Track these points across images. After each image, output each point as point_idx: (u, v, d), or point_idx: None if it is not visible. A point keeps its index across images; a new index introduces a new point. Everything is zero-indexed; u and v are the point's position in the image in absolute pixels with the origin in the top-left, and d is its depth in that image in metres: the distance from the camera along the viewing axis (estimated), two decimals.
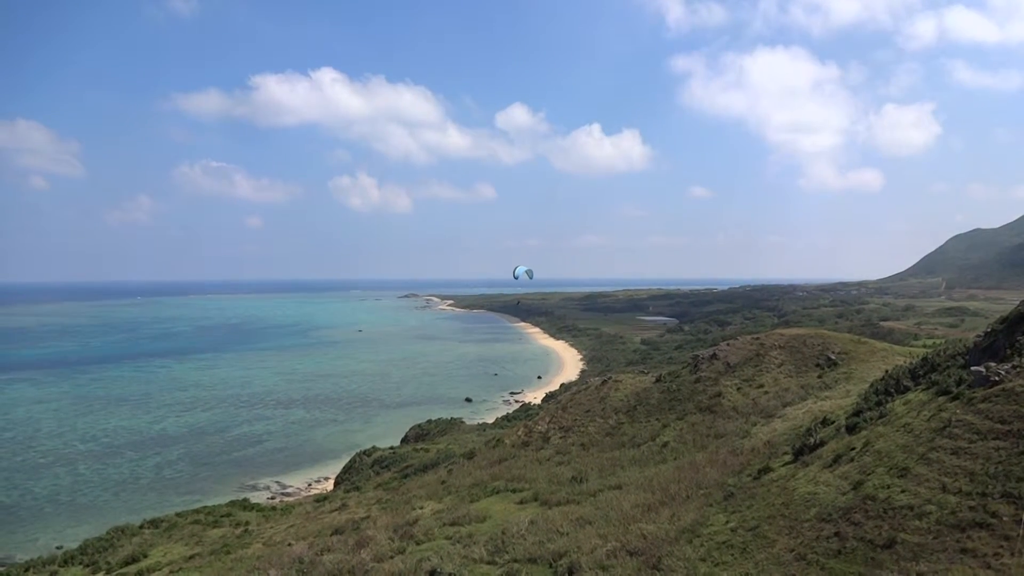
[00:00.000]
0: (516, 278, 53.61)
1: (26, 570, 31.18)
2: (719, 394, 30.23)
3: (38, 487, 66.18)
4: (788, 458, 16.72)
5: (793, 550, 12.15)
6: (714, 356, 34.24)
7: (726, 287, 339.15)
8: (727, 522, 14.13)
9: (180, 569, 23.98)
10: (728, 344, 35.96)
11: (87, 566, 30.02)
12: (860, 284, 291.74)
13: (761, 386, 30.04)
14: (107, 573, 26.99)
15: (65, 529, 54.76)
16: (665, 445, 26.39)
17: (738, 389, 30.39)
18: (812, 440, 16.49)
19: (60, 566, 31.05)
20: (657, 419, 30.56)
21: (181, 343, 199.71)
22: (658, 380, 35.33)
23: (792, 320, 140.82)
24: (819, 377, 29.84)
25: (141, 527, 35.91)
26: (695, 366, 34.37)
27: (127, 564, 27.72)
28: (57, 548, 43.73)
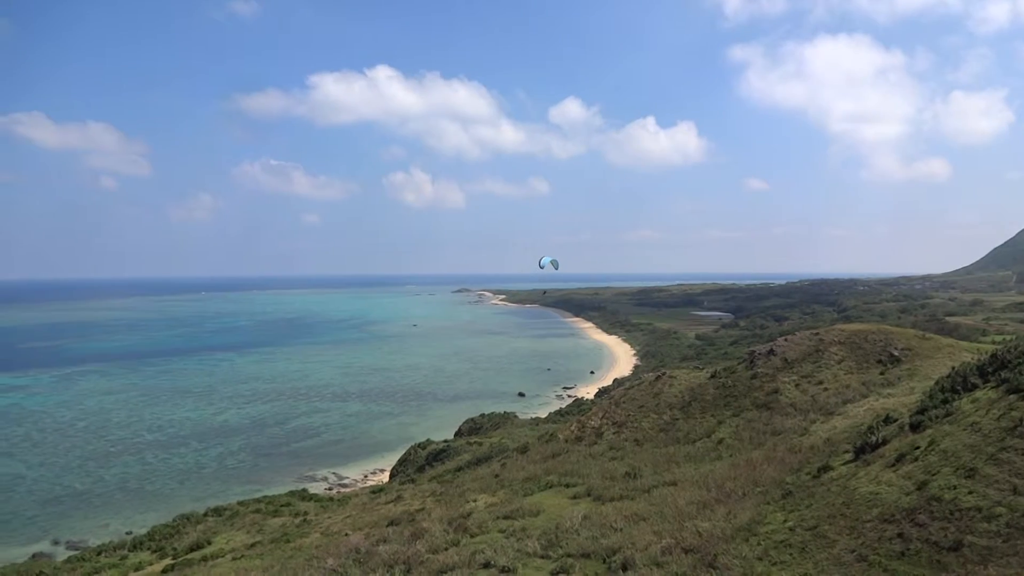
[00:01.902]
0: (542, 267, 53.75)
1: (98, 554, 32.49)
2: (776, 390, 29.65)
3: (109, 475, 68.88)
4: (849, 457, 16.32)
5: (854, 551, 11.87)
6: (771, 352, 33.57)
7: (783, 281, 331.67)
8: (785, 521, 13.87)
9: (242, 556, 24.64)
10: (786, 339, 35.20)
11: (155, 551, 31.11)
12: (924, 278, 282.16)
13: (820, 383, 29.35)
14: (173, 559, 27.91)
15: (134, 515, 56.94)
16: (720, 442, 26.02)
17: (796, 385, 29.75)
18: (874, 438, 16.05)
19: (130, 551, 32.26)
20: (712, 415, 30.14)
21: (242, 337, 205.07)
22: (713, 376, 34.82)
23: (852, 315, 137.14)
24: (881, 374, 29.00)
25: (205, 515, 37.06)
26: (751, 362, 33.75)
27: (192, 550, 28.62)
28: (127, 533, 45.46)
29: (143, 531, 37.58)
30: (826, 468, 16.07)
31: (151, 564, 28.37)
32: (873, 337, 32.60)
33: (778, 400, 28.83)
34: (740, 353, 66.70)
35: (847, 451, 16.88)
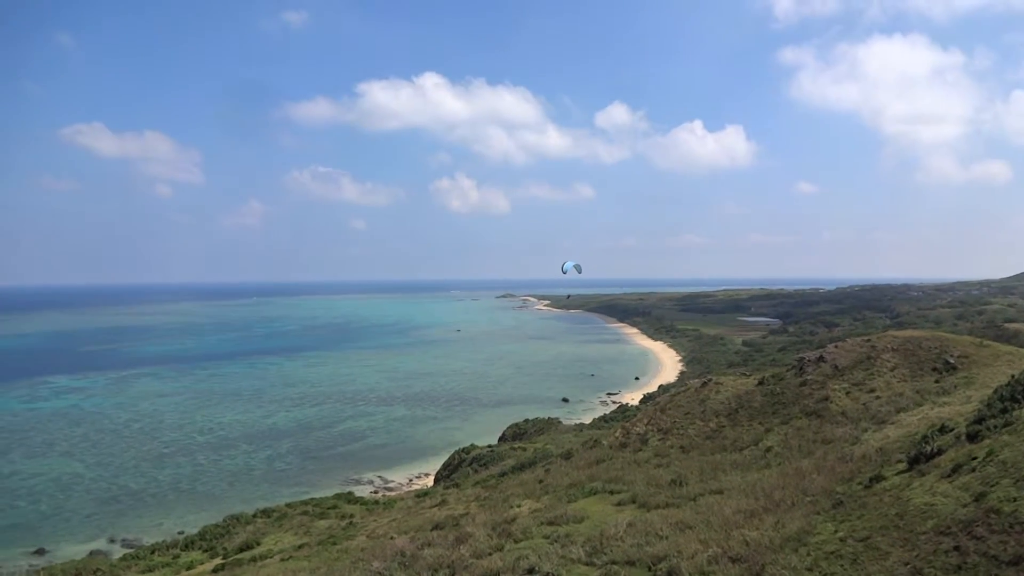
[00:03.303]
0: (564, 272, 54.07)
1: (152, 552, 33.35)
2: (826, 398, 29.04)
3: (162, 475, 70.73)
4: (902, 467, 15.90)
5: (908, 563, 11.55)
6: (821, 358, 32.91)
7: (833, 287, 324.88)
8: (836, 531, 13.57)
9: (290, 558, 25.04)
10: (836, 346, 34.48)
11: (206, 551, 31.81)
12: (982, 283, 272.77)
13: (872, 390, 28.66)
14: (224, 558, 28.49)
15: (186, 515, 58.34)
16: (768, 450, 25.58)
17: (847, 393, 29.10)
18: (929, 448, 15.61)
19: (182, 550, 33.04)
20: (760, 423, 29.65)
21: (290, 341, 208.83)
22: (761, 383, 34.26)
23: (906, 321, 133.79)
24: (936, 382, 28.19)
25: (254, 516, 37.77)
26: (800, 368, 33.13)
27: (242, 551, 29.19)
28: (179, 533, 46.59)
29: (195, 531, 38.48)
30: (878, 478, 15.68)
31: (202, 563, 29.02)
32: (928, 344, 31.73)
33: (828, 408, 28.23)
34: (788, 360, 65.48)
35: (900, 461, 16.44)
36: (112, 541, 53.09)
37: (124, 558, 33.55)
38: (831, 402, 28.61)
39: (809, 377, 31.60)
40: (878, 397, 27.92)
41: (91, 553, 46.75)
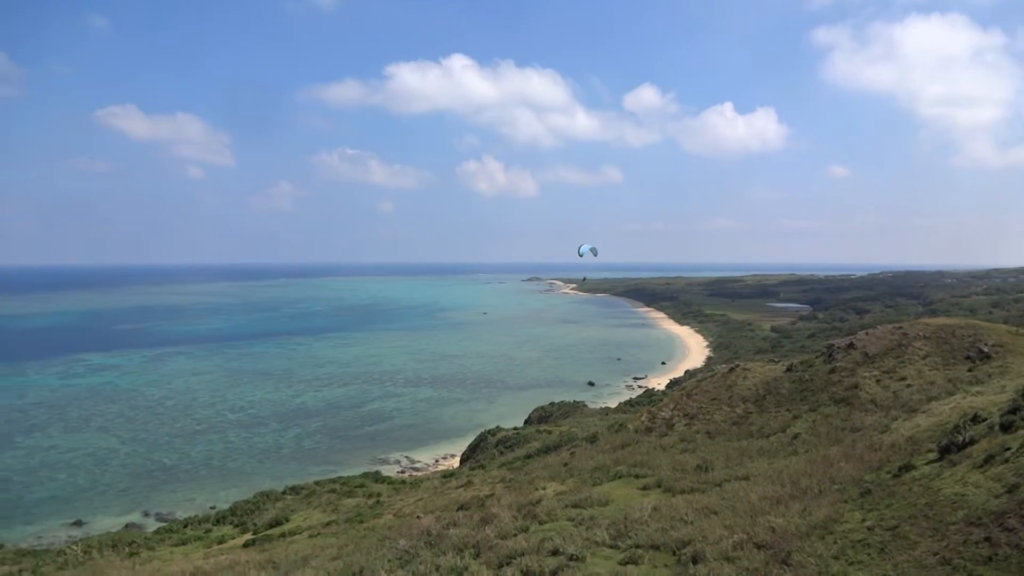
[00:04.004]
0: (581, 255, 54.41)
1: (185, 526, 34.11)
2: (856, 385, 28.71)
3: (194, 451, 72.13)
4: (933, 456, 15.71)
5: (937, 553, 11.45)
6: (851, 345, 32.51)
7: (865, 273, 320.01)
8: (863, 520, 13.48)
9: (318, 534, 25.47)
10: (867, 333, 34.03)
11: (236, 526, 32.47)
12: (1019, 270, 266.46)
13: (903, 378, 28.28)
14: (254, 534, 29.06)
15: (218, 491, 59.50)
16: (796, 437, 25.40)
17: (877, 381, 28.75)
18: (961, 438, 15.40)
19: (213, 525, 33.76)
20: (788, 410, 29.43)
21: (318, 322, 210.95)
22: (789, 369, 33.96)
23: (939, 309, 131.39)
24: (969, 371, 27.73)
25: (284, 493, 38.46)
26: (830, 355, 32.77)
27: (271, 527, 29.75)
28: (211, 508, 47.55)
29: (226, 506, 39.25)
30: (908, 467, 15.53)
31: (233, 538, 29.63)
32: (961, 332, 31.19)
33: (858, 395, 27.93)
34: (818, 346, 64.78)
35: (931, 450, 16.26)
36: (146, 515, 54.36)
37: (158, 531, 34.37)
38: (861, 390, 28.29)
39: (838, 364, 31.26)
40: (909, 385, 27.56)
41: (126, 526, 47.91)
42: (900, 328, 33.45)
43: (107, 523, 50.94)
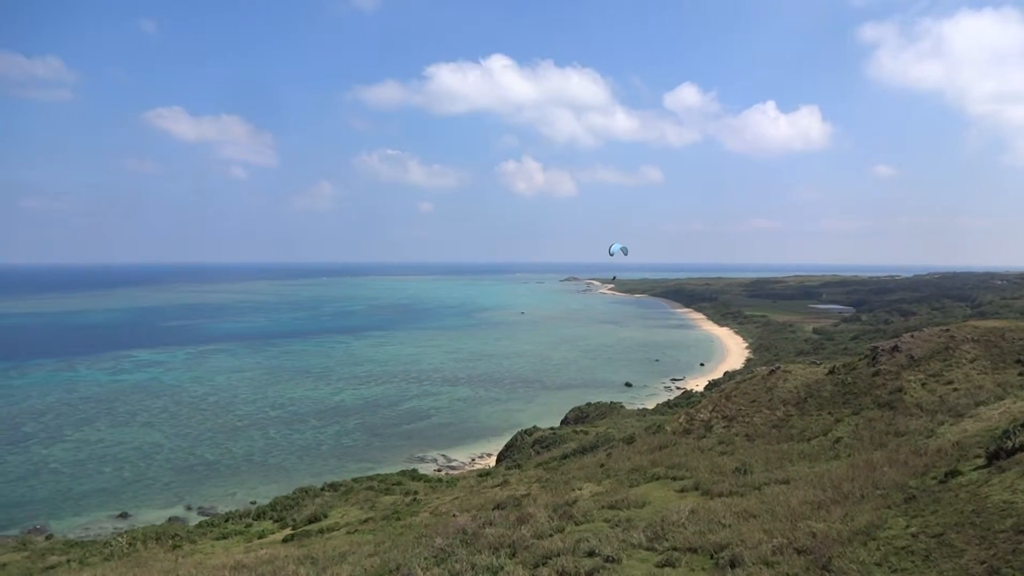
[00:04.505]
0: (611, 255, 55.41)
1: (226, 521, 34.78)
2: (900, 389, 28.08)
3: (236, 447, 73.41)
4: (980, 462, 15.30)
5: (984, 562, 11.14)
6: (896, 348, 31.81)
7: (910, 274, 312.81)
8: (907, 526, 13.17)
9: (356, 531, 25.73)
10: (912, 336, 33.26)
11: (276, 521, 32.99)
12: None
13: (950, 382, 27.57)
14: (293, 529, 29.47)
15: (258, 486, 60.49)
16: (838, 441, 24.93)
17: (923, 384, 28.07)
18: (1010, 443, 14.96)
19: (254, 519, 34.36)
20: (830, 413, 28.89)
21: (357, 321, 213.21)
22: (832, 372, 33.35)
23: (988, 311, 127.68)
24: (1020, 375, 26.94)
25: (322, 489, 38.97)
26: (874, 358, 32.10)
27: (310, 522, 30.16)
28: (251, 503, 48.40)
29: (266, 501, 39.91)
30: (954, 473, 15.14)
31: (273, 533, 30.10)
32: (1011, 335, 30.32)
33: (902, 399, 27.31)
34: (861, 349, 63.44)
35: (978, 456, 15.83)
36: (189, 508, 55.48)
37: (200, 525, 35.08)
38: (905, 393, 27.67)
39: (883, 367, 30.61)
40: (956, 389, 26.87)
41: (170, 519, 48.96)
42: (947, 331, 32.64)
43: (151, 516, 52.12)
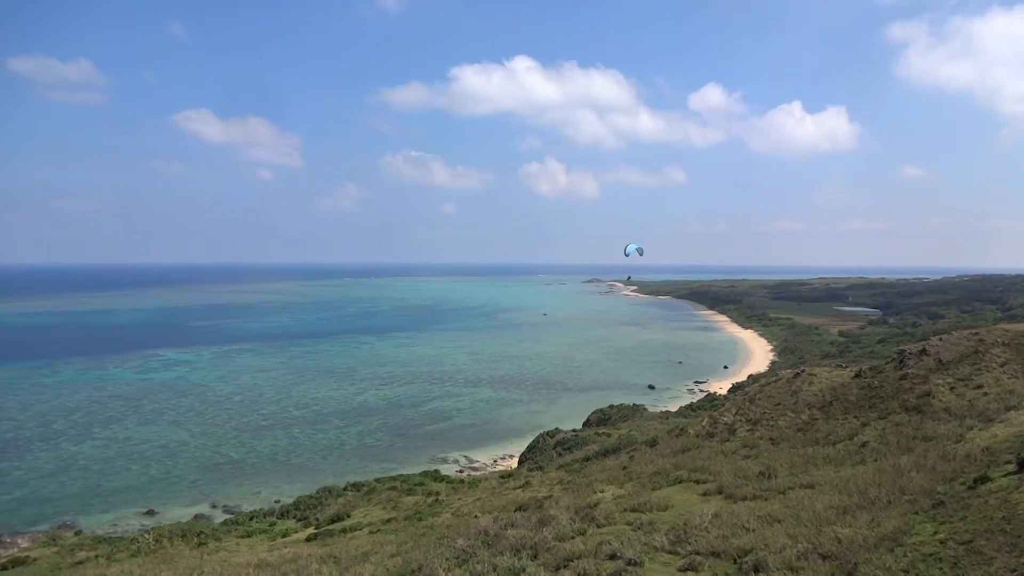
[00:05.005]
0: (627, 255, 56.49)
1: (251, 519, 35.12)
2: (928, 393, 27.65)
3: (261, 446, 74.13)
4: (1011, 468, 15.02)
5: (1015, 570, 10.94)
6: (924, 351, 31.33)
7: (939, 276, 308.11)
8: (935, 533, 12.97)
9: (378, 531, 25.85)
10: (940, 339, 32.73)
11: (299, 520, 33.26)
12: None
13: (980, 387, 27.10)
14: (316, 528, 29.67)
15: (282, 485, 61.02)
16: (864, 445, 24.61)
17: (951, 389, 27.62)
18: None
19: (278, 518, 34.67)
20: (856, 417, 28.52)
21: (380, 322, 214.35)
22: (858, 375, 32.92)
23: (1019, 315, 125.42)
24: None
25: (345, 489, 39.21)
26: (901, 361, 31.64)
27: (333, 522, 30.34)
28: (275, 502, 48.84)
29: (289, 500, 40.26)
30: (984, 479, 14.89)
31: (296, 532, 30.33)
32: None
33: (930, 403, 26.89)
34: (888, 352, 62.60)
35: (1009, 462, 15.55)
36: (214, 506, 56.11)
37: (225, 523, 35.46)
38: (933, 397, 27.24)
39: (910, 371, 30.17)
40: (986, 394, 26.41)
41: (195, 516, 49.50)
42: (977, 334, 32.10)
43: (177, 513, 52.79)
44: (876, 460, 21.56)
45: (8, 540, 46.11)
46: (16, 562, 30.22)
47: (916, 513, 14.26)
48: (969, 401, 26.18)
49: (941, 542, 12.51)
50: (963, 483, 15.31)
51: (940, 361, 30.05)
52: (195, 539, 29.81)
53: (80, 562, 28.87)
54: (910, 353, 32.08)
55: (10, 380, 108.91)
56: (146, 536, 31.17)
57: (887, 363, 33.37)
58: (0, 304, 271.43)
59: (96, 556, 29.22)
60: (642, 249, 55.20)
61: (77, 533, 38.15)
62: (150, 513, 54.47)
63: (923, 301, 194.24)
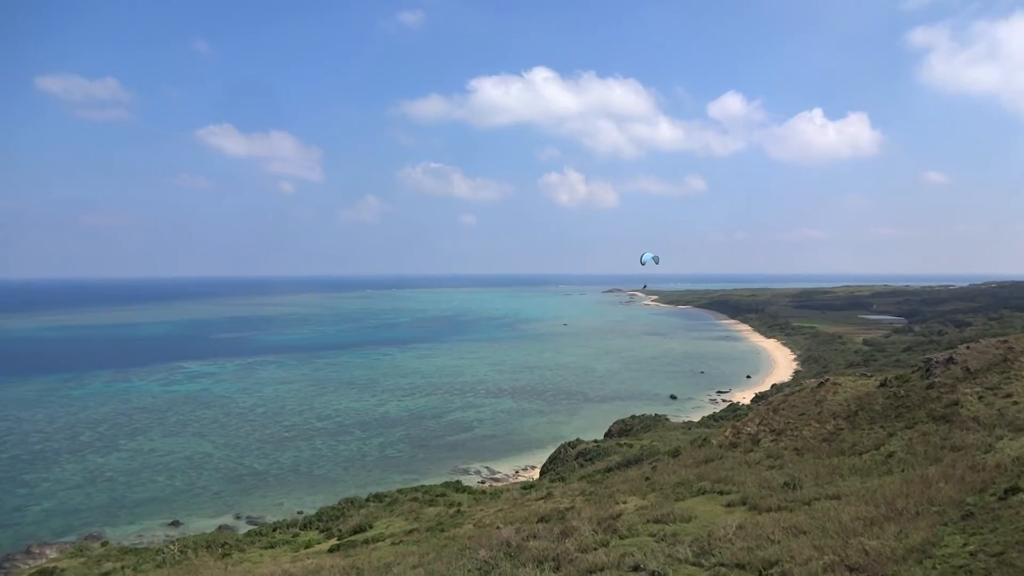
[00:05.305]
0: (643, 264, 56.95)
1: (274, 530, 35.28)
2: (956, 402, 27.22)
3: (283, 457, 74.53)
4: None
5: None
6: (951, 360, 30.88)
7: (965, 283, 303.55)
8: (965, 545, 12.75)
9: (400, 542, 25.86)
10: (968, 347, 32.25)
11: (322, 531, 33.36)
12: None
13: (1009, 395, 26.64)
14: (339, 539, 29.75)
15: (304, 496, 61.26)
16: (891, 455, 24.26)
17: (980, 398, 27.18)
18: None
19: (301, 529, 34.81)
20: (882, 427, 28.15)
21: (401, 333, 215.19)
22: (883, 384, 32.51)
23: None
24: None
25: (367, 500, 39.31)
26: (927, 370, 31.21)
27: (355, 533, 30.41)
28: (298, 513, 49.03)
29: (312, 512, 40.38)
30: (1015, 490, 14.62)
31: (319, 543, 30.43)
32: None
33: (958, 413, 26.47)
34: (914, 361, 61.73)
35: None
36: (238, 517, 56.44)
37: (248, 534, 35.64)
38: (961, 407, 26.82)
39: (937, 379, 29.73)
40: (1016, 403, 25.95)
41: (219, 527, 49.86)
42: (1005, 342, 31.59)
43: (202, 524, 53.17)
44: (903, 470, 21.25)
45: (37, 551, 46.78)
46: (44, 572, 30.61)
47: (945, 525, 14.04)
48: (998, 410, 25.75)
49: (971, 554, 12.30)
50: (993, 494, 15.05)
51: (968, 370, 29.60)
52: (219, 550, 30.01)
53: (107, 573, 29.18)
54: (937, 362, 31.63)
55: (39, 393, 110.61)
56: (171, 547, 31.44)
57: (913, 372, 32.94)
58: (31, 319, 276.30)
59: (122, 567, 29.51)
60: (658, 258, 55.46)
61: (104, 544, 38.55)
62: (175, 524, 54.91)
63: (949, 308, 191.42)
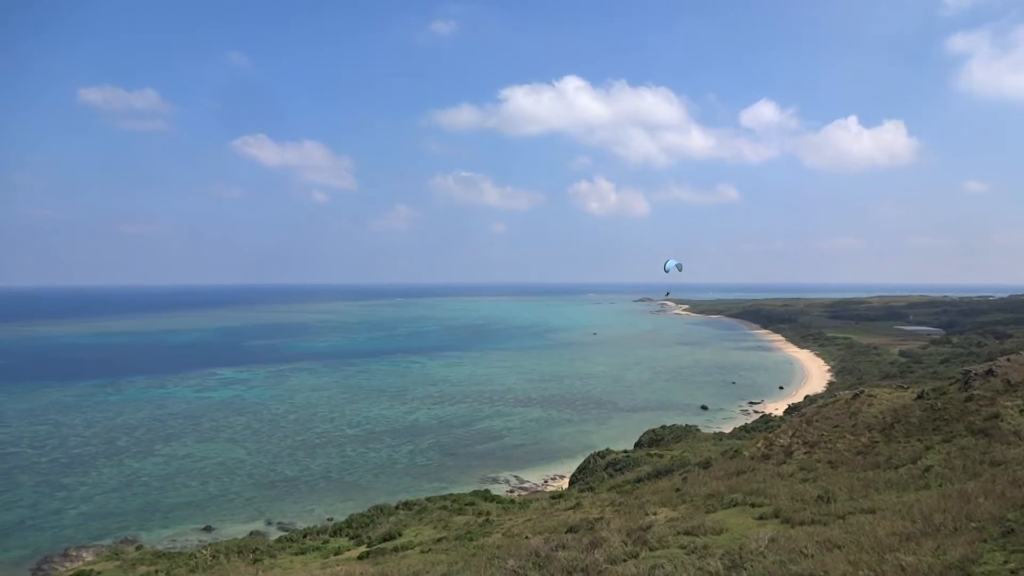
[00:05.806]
0: (667, 271, 58.52)
1: (304, 536, 35.58)
2: (996, 416, 26.58)
3: (314, 464, 75.15)
4: None
5: None
6: (990, 372, 30.17)
7: (1006, 294, 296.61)
8: (1006, 562, 12.43)
9: (429, 550, 25.91)
10: (1008, 359, 31.48)
11: (352, 538, 33.55)
12: None
13: None
14: (368, 546, 29.89)
15: (335, 503, 61.68)
16: (928, 469, 23.75)
17: (1021, 411, 26.51)
18: None
19: (331, 536, 35.04)
20: (919, 440, 27.58)
21: (431, 341, 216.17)
22: (920, 396, 31.86)
23: None
24: None
25: (397, 508, 39.45)
26: (966, 383, 30.53)
27: (384, 540, 30.53)
28: (328, 519, 49.33)
29: (342, 518, 40.64)
30: None
31: (348, 550, 30.61)
32: None
33: (998, 426, 25.84)
34: (952, 373, 60.48)
35: None
36: (269, 523, 56.99)
37: (279, 540, 35.97)
38: (1002, 420, 26.18)
39: (976, 392, 29.07)
40: None
41: (251, 533, 50.38)
42: None
43: (234, 529, 53.78)
44: (941, 485, 20.79)
45: (74, 554, 47.69)
46: (81, 575, 31.18)
47: (984, 541, 13.70)
48: None
49: (1012, 572, 11.99)
50: None
51: (1008, 382, 28.90)
52: (251, 555, 30.35)
53: None
54: (976, 374, 30.93)
55: (78, 398, 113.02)
56: (204, 552, 31.88)
57: (951, 384, 32.24)
58: (74, 325, 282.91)
59: (156, 571, 29.97)
60: (681, 265, 56.14)
61: (138, 548, 39.21)
62: (208, 529, 55.61)
63: (988, 320, 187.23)
